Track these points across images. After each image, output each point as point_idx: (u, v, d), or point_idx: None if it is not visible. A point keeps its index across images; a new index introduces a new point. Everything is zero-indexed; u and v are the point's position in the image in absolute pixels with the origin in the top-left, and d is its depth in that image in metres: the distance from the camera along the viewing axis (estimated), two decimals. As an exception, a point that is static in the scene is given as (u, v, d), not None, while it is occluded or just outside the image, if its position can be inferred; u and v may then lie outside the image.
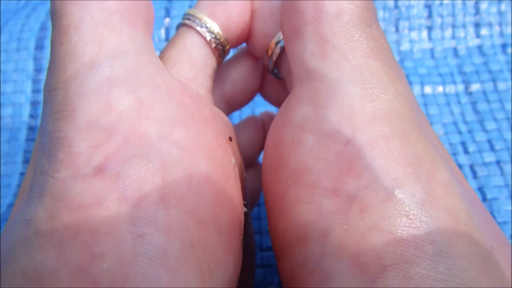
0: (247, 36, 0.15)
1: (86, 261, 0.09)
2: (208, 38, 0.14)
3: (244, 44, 0.16)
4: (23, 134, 0.24)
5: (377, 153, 0.10)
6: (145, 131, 0.10)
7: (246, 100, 0.17)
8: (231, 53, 0.21)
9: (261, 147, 0.18)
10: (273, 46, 0.15)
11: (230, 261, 0.11)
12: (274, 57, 0.15)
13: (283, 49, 0.15)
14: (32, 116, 0.25)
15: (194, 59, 0.14)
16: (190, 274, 0.09)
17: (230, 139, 0.12)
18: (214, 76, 0.15)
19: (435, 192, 0.10)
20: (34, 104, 0.25)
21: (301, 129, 0.11)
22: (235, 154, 0.12)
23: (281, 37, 0.15)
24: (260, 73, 0.17)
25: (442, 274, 0.09)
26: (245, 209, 0.12)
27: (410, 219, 0.09)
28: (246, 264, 0.16)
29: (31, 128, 0.24)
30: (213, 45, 0.14)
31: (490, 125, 0.24)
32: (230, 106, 0.16)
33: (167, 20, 0.27)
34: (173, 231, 0.09)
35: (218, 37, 0.15)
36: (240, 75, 0.16)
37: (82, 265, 0.09)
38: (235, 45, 0.15)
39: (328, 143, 0.10)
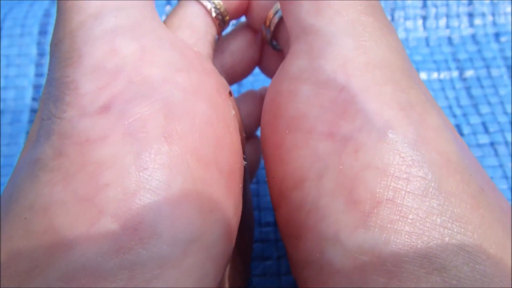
0: (246, 7, 0.16)
1: (92, 192, 0.09)
2: (209, 7, 0.15)
3: (243, 18, 0.17)
4: (25, 116, 0.25)
5: (370, 97, 0.10)
6: (149, 74, 0.10)
7: (246, 72, 0.17)
8: (231, 29, 0.21)
9: (259, 120, 0.18)
10: (271, 16, 0.15)
11: (230, 204, 0.11)
12: (272, 27, 0.15)
13: (281, 19, 0.15)
14: (34, 99, 0.25)
15: (195, 26, 0.14)
16: (190, 209, 0.10)
17: (230, 93, 0.13)
18: (215, 48, 0.16)
19: (426, 134, 0.10)
20: (36, 87, 0.25)
21: (297, 80, 0.11)
22: (234, 109, 0.13)
23: (279, 7, 0.15)
24: (259, 46, 0.17)
25: (433, 209, 0.10)
26: (245, 163, 0.12)
27: (402, 157, 0.10)
28: (246, 232, 0.17)
29: (33, 111, 0.25)
30: (214, 14, 0.15)
31: (484, 109, 0.25)
32: (229, 77, 0.17)
33: (167, 7, 0.28)
34: (175, 166, 0.10)
35: (218, 6, 0.15)
36: (239, 46, 0.17)
37: (88, 195, 0.09)
38: (234, 16, 0.16)
39: (323, 91, 0.11)
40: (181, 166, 0.10)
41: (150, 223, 0.09)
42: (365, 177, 0.10)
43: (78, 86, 0.10)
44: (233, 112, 0.12)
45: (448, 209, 0.10)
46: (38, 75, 0.26)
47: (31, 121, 0.24)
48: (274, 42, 0.16)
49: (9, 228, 0.10)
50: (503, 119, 0.24)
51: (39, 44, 0.26)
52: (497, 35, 0.28)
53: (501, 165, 0.23)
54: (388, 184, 0.10)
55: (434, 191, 0.10)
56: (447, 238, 0.09)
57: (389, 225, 0.09)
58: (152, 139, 0.10)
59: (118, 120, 0.10)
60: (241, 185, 0.12)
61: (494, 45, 0.27)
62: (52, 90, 0.11)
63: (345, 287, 0.10)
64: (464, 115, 0.25)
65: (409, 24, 0.29)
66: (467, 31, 0.28)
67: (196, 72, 0.11)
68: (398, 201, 0.09)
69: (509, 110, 0.25)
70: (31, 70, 0.26)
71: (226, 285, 0.14)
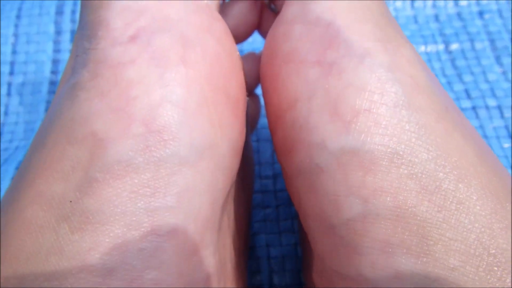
0: None
1: (123, 103, 0.11)
2: None
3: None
4: (45, 88, 0.27)
5: (352, 32, 0.12)
6: (168, 13, 0.12)
7: (247, 34, 0.19)
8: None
9: (258, 79, 0.20)
10: (270, -19, 0.18)
11: (235, 126, 0.13)
12: (271, -9, 0.18)
13: None
14: (53, 72, 0.27)
15: None
16: (204, 121, 0.12)
17: (238, 36, 0.15)
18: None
19: (399, 61, 0.12)
20: (54, 62, 0.28)
21: (290, 22, 0.13)
22: (238, 54, 0.15)
23: None
24: (259, 11, 0.19)
25: (403, 117, 0.12)
26: (248, 98, 0.15)
27: (377, 77, 0.12)
28: (247, 171, 0.19)
29: (52, 83, 0.27)
30: None
31: (467, 78, 0.27)
32: None
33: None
34: (191, 86, 0.12)
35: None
36: (240, 10, 0.19)
37: (120, 106, 0.11)
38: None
39: (313, 27, 0.13)
40: (196, 86, 0.12)
41: (172, 128, 0.11)
42: (347, 94, 0.12)
43: (109, 23, 0.12)
44: (237, 53, 0.14)
45: (415, 118, 0.12)
46: (56, 51, 0.28)
47: (50, 92, 0.27)
48: (272, 6, 0.18)
49: (54, 136, 0.12)
50: (485, 86, 0.26)
51: (56, 23, 0.28)
52: (481, 13, 0.30)
53: (481, 126, 0.25)
54: (366, 97, 0.12)
55: (404, 104, 0.12)
56: (413, 140, 0.11)
57: (366, 130, 0.11)
58: (172, 63, 0.12)
59: (144, 47, 0.12)
60: (244, 114, 0.14)
61: (478, 22, 0.29)
62: (85, 31, 0.13)
63: (329, 184, 0.12)
64: (449, 83, 0.27)
65: (398, 4, 0.31)
66: (453, 10, 0.30)
67: (206, 16, 0.13)
68: (374, 111, 0.12)
69: (490, 78, 0.27)
70: (49, 47, 0.28)
71: (232, 214, 0.16)
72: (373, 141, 0.11)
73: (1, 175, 0.22)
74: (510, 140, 0.24)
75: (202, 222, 0.12)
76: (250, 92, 0.21)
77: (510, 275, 0.11)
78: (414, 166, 0.11)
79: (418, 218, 0.11)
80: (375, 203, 0.11)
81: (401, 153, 0.11)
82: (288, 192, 0.14)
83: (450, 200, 0.11)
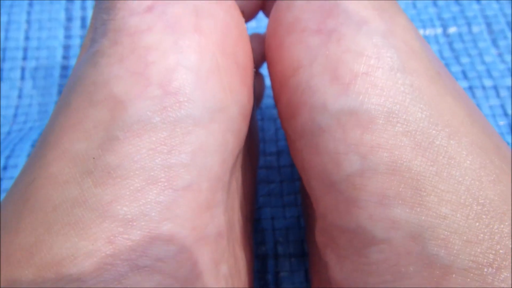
0: None
1: (141, 67, 0.12)
2: None
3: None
4: (57, 72, 0.28)
5: (350, 2, 0.13)
6: None
7: (251, 14, 0.20)
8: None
9: (263, 58, 0.21)
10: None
11: (244, 92, 0.14)
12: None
13: None
14: (64, 57, 0.28)
15: None
16: (215, 86, 0.13)
17: (243, 13, 0.16)
18: None
19: (394, 29, 0.13)
20: (65, 47, 0.29)
21: None
22: (245, 27, 0.16)
23: None
24: None
25: (398, 79, 0.13)
26: (254, 69, 0.16)
27: (374, 43, 0.13)
28: (252, 141, 0.20)
29: (63, 67, 0.28)
30: None
31: (464, 60, 0.28)
32: None
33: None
34: (204, 52, 0.13)
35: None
36: None
37: (138, 70, 0.12)
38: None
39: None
40: (208, 52, 0.13)
41: (186, 91, 0.12)
42: (346, 59, 0.13)
43: None
44: (245, 26, 0.15)
45: (410, 81, 0.13)
46: (67, 37, 0.29)
47: (61, 76, 0.28)
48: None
49: (77, 99, 0.13)
50: (481, 67, 0.27)
51: (67, 10, 0.29)
52: (478, -2, 0.31)
53: (478, 105, 0.26)
54: (363, 62, 0.13)
55: (399, 67, 0.13)
56: (408, 100, 0.12)
57: (363, 91, 0.12)
58: (185, 31, 0.13)
59: (160, 16, 0.13)
60: (252, 83, 0.15)
61: (475, 6, 0.30)
62: (103, 5, 0.14)
63: (330, 143, 0.13)
64: (446, 65, 0.28)
65: (398, -11, 0.32)
66: (451, -5, 0.31)
67: None
68: (371, 74, 0.12)
69: (486, 60, 0.28)
70: (61, 33, 0.29)
71: (239, 180, 0.17)
72: (370, 101, 0.12)
73: (18, 153, 0.23)
74: (505, 118, 0.25)
75: (214, 181, 0.13)
76: (255, 70, 0.22)
77: (497, 223, 0.12)
78: (408, 124, 0.12)
79: (413, 171, 0.12)
80: (372, 159, 0.12)
81: (396, 112, 0.12)
82: (292, 157, 0.15)
83: (442, 155, 0.12)
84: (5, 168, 0.22)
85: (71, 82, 0.14)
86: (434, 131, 0.12)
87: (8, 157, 0.23)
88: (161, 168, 0.12)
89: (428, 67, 0.13)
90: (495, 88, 0.26)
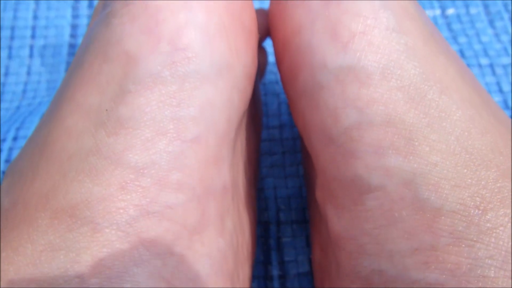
0: None
1: (152, 25, 0.13)
2: None
3: None
4: (65, 50, 0.29)
5: None
6: None
7: None
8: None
9: (267, 32, 0.22)
10: None
11: (249, 55, 0.15)
12: None
13: None
14: (72, 36, 0.29)
15: None
16: (222, 44, 0.14)
17: None
18: None
19: None
20: (73, 26, 0.29)
21: None
22: None
23: None
24: None
25: (393, 38, 0.13)
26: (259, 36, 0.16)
27: (372, 4, 0.14)
28: (257, 114, 0.20)
29: (71, 46, 0.29)
30: None
31: (462, 39, 0.28)
32: None
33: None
34: (211, 13, 0.13)
35: None
36: None
37: (149, 28, 0.13)
38: None
39: None
40: (215, 12, 0.14)
41: (194, 47, 0.13)
42: (344, 19, 0.14)
43: None
44: None
45: (404, 40, 0.13)
46: (74, 16, 0.30)
47: (69, 54, 0.28)
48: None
49: (91, 57, 0.14)
50: (478, 47, 0.28)
51: (74, -10, 0.30)
52: (476, -19, 0.31)
53: (474, 82, 0.26)
54: (361, 22, 0.13)
55: (394, 28, 0.13)
56: (402, 57, 0.13)
57: (360, 49, 0.13)
58: (195, 7, 0.13)
59: None
60: (256, 46, 0.16)
61: (473, -12, 0.31)
62: None
63: (329, 98, 0.14)
64: (444, 44, 0.28)
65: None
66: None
67: None
68: (368, 33, 0.13)
69: (483, 40, 0.28)
70: (68, 12, 0.30)
71: (244, 142, 0.18)
72: (367, 59, 0.13)
73: (27, 125, 0.24)
74: (501, 94, 0.26)
75: (220, 136, 0.14)
76: (258, 44, 0.22)
77: (484, 170, 0.12)
78: (402, 80, 0.13)
79: (406, 123, 0.13)
80: (368, 112, 0.13)
81: (391, 68, 0.13)
82: (294, 118, 0.16)
83: (434, 108, 0.13)
84: (15, 138, 0.23)
85: (85, 43, 0.14)
86: (426, 87, 0.13)
87: (18, 129, 0.24)
88: (170, 120, 0.13)
89: (422, 29, 0.14)
90: (491, 66, 0.27)
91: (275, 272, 0.20)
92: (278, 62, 0.16)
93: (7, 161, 0.22)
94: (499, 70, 0.27)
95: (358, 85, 0.13)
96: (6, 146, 0.23)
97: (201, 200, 0.14)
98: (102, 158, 0.13)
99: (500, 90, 0.26)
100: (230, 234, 0.16)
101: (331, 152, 0.14)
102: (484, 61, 0.27)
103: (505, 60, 0.27)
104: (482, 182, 0.12)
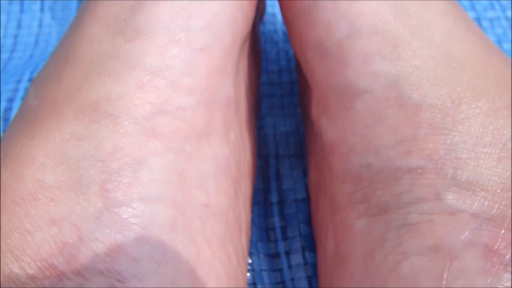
0: None
1: None
2: None
3: None
4: (74, 4, 0.30)
5: None
6: None
7: None
8: None
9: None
10: None
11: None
12: None
13: None
14: (80, -8, 0.30)
15: None
16: None
17: None
18: None
19: None
20: (81, -17, 0.31)
21: None
22: None
23: None
24: None
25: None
26: None
27: None
28: (257, 52, 0.22)
29: (80, 0, 0.30)
30: None
31: None
32: None
33: None
34: None
35: None
36: None
37: None
38: None
39: None
40: None
41: None
42: None
43: None
44: None
45: None
46: (82, -27, 0.31)
47: (78, 8, 0.30)
48: None
49: None
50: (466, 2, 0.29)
51: (82, -51, 0.32)
52: None
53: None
54: None
55: None
56: None
57: None
58: None
59: None
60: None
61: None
62: None
63: (323, 14, 0.15)
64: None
65: None
66: None
67: None
68: None
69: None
70: (76, -31, 0.31)
71: (246, 69, 0.19)
72: None
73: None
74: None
75: (225, 50, 0.16)
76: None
77: (461, 72, 0.14)
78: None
79: (391, 32, 0.14)
80: (358, 24, 0.15)
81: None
82: (292, 42, 0.18)
83: (417, 19, 0.15)
84: (30, 80, 0.25)
85: None
86: (409, 1, 0.15)
87: (32, 71, 0.25)
88: (181, 29, 0.15)
89: None
90: (478, 20, 0.28)
91: (274, 199, 0.22)
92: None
93: (22, 98, 0.24)
94: (485, 23, 0.28)
95: (349, 0, 0.15)
96: (22, 86, 0.24)
97: (208, 106, 0.15)
98: (121, 61, 0.14)
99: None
100: (234, 146, 0.17)
101: (326, 63, 0.16)
102: (471, 14, 0.29)
103: (491, 13, 0.28)
104: (458, 81, 0.14)
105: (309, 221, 0.21)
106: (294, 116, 0.25)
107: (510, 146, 0.13)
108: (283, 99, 0.25)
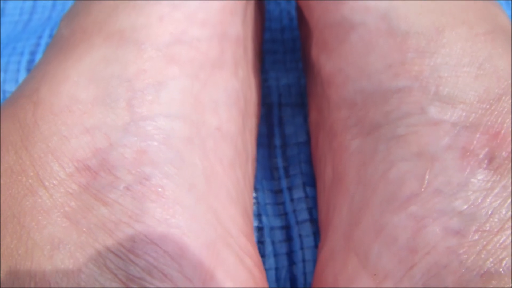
0: None
1: None
2: None
3: None
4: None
5: None
6: None
7: None
8: None
9: None
10: None
11: None
12: None
13: None
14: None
15: None
16: None
17: None
18: None
19: None
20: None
21: None
22: None
23: None
24: None
25: None
26: None
27: None
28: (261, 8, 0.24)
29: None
30: None
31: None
32: None
33: None
34: None
35: None
36: None
37: None
38: None
39: None
40: None
41: None
42: None
43: None
44: None
45: None
46: None
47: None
48: None
49: None
50: None
51: None
52: None
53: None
54: None
55: None
56: None
57: None
58: None
59: None
60: None
61: None
62: None
63: None
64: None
65: None
66: None
67: None
68: None
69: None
70: None
71: (252, 18, 0.21)
72: None
73: (61, 27, 0.27)
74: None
75: None
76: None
77: (444, 2, 0.16)
78: None
79: None
80: None
81: None
82: (298, 22, 0.20)
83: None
84: (50, 36, 0.27)
85: None
86: None
87: (52, 28, 0.27)
88: None
89: None
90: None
91: (277, 142, 0.24)
92: None
93: (44, 52, 0.26)
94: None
95: None
96: (43, 41, 0.26)
97: (220, 40, 0.17)
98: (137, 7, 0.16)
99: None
100: (242, 82, 0.19)
101: (325, 2, 0.17)
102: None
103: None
104: (442, 12, 0.16)
105: (309, 161, 0.23)
106: (296, 70, 0.27)
107: (486, 66, 0.15)
108: (286, 55, 0.27)
